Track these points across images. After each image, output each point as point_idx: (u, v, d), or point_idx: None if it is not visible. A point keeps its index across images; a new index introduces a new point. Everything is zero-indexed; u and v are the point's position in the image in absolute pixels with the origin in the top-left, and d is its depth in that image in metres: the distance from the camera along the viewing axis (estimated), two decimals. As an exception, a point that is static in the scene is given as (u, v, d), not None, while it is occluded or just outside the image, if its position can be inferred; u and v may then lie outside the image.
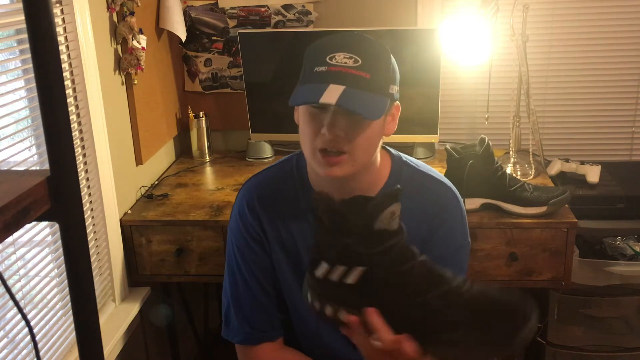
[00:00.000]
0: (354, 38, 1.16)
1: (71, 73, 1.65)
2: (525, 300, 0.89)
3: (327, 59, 1.12)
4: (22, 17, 0.61)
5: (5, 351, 1.39)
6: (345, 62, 1.11)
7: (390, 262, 0.89)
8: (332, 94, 1.07)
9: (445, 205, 1.28)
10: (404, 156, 1.33)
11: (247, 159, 2.39)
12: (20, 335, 1.45)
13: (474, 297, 0.89)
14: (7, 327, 1.41)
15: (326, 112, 1.13)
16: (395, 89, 1.20)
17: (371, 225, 0.88)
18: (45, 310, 1.57)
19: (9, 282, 1.42)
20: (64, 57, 1.62)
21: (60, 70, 0.64)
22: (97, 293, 1.76)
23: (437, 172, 1.35)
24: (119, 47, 1.92)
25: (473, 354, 0.89)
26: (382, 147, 1.28)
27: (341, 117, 1.12)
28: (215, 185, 2.16)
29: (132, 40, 1.91)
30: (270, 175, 1.35)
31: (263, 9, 2.34)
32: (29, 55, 0.73)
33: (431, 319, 0.89)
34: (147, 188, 2.11)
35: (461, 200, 1.31)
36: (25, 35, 0.66)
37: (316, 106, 1.14)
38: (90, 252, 1.46)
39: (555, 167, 2.15)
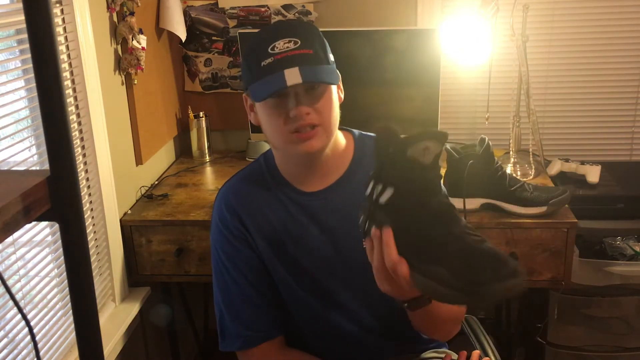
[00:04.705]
0: (284, 24, 1.25)
1: (71, 73, 1.65)
2: (516, 262, 0.95)
3: (269, 50, 1.17)
4: (22, 17, 0.61)
5: (5, 351, 1.39)
6: (287, 47, 1.17)
7: (414, 191, 0.96)
8: (292, 76, 1.14)
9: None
10: (364, 132, 1.39)
11: (247, 159, 2.39)
12: (20, 335, 1.45)
13: (473, 246, 0.95)
14: (7, 327, 1.41)
15: (287, 97, 1.19)
16: (332, 58, 1.26)
17: (404, 152, 0.95)
18: (45, 310, 1.56)
19: (9, 282, 1.42)
20: (64, 57, 1.62)
21: (60, 70, 0.64)
22: (97, 293, 1.76)
23: None
24: (119, 47, 1.92)
25: (446, 294, 0.93)
26: (344, 129, 1.35)
27: (303, 96, 1.19)
28: (215, 185, 2.16)
29: (132, 40, 1.91)
30: (241, 176, 1.39)
31: (263, 9, 2.34)
32: (29, 55, 0.73)
33: (427, 250, 0.95)
34: (147, 188, 2.11)
35: None
36: (25, 35, 0.66)
37: (275, 96, 1.19)
38: (90, 252, 1.46)
39: (555, 167, 2.15)
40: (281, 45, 1.17)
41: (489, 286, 0.90)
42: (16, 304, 0.70)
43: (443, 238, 0.95)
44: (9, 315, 1.42)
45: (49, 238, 1.60)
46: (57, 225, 0.73)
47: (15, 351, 1.43)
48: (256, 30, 2.29)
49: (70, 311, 0.71)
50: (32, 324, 1.40)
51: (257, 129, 2.33)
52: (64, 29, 1.62)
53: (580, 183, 2.09)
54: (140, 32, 1.95)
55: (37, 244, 1.55)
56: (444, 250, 0.94)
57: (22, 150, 1.49)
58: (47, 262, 1.58)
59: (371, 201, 1.01)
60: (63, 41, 1.61)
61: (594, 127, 2.39)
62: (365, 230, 1.03)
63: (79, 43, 1.64)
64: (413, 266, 0.96)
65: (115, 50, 1.90)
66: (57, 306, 1.62)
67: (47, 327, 1.57)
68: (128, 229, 1.91)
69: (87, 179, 1.74)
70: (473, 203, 1.83)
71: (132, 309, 1.89)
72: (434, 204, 0.97)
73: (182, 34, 2.28)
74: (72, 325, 1.08)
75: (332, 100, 1.23)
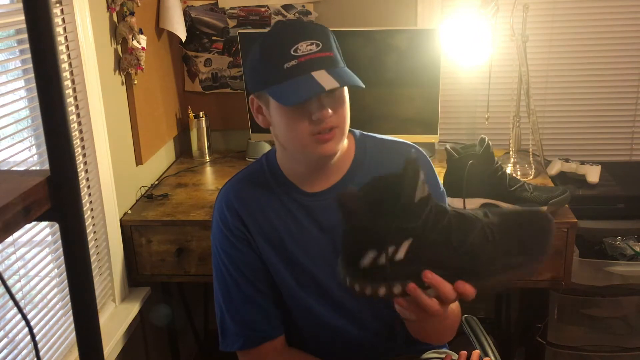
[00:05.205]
0: (303, 26, 1.22)
1: (71, 73, 1.65)
2: (536, 208, 1.01)
3: (292, 52, 1.15)
4: (22, 17, 0.61)
5: (5, 351, 1.39)
6: (311, 49, 1.16)
7: (432, 224, 0.95)
8: (325, 80, 1.14)
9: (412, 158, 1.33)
10: (365, 132, 1.39)
11: (247, 159, 2.39)
12: (20, 335, 1.45)
13: (501, 222, 0.97)
14: (7, 327, 1.41)
15: (309, 100, 1.17)
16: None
17: (412, 199, 0.93)
18: (45, 310, 1.57)
19: (9, 282, 1.42)
20: (64, 57, 1.62)
21: (60, 70, 0.64)
22: (97, 293, 1.76)
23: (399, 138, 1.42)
24: (119, 47, 1.92)
25: (518, 271, 0.96)
26: None
27: (325, 98, 1.18)
28: (215, 185, 2.16)
29: (132, 40, 1.91)
30: (242, 176, 1.38)
31: (263, 9, 2.34)
32: (29, 55, 0.73)
33: (477, 257, 0.95)
34: (147, 188, 2.11)
35: (425, 154, 1.37)
36: (25, 35, 0.66)
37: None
38: (90, 252, 1.46)
39: (555, 167, 2.15)
40: (304, 47, 1.15)
41: (546, 242, 0.96)
42: (16, 304, 0.70)
43: (480, 238, 0.96)
44: (9, 315, 1.42)
45: (49, 238, 1.60)
46: (57, 225, 0.73)
47: (15, 351, 1.43)
48: (256, 31, 2.29)
49: (70, 311, 0.71)
50: (32, 324, 1.40)
51: (257, 129, 2.34)
52: (64, 29, 1.62)
53: (580, 183, 2.09)
54: (140, 32, 1.95)
55: (37, 244, 1.55)
56: (489, 246, 0.95)
57: (22, 150, 1.49)
58: (47, 262, 1.58)
59: (379, 268, 0.96)
60: (63, 41, 1.61)
61: (594, 127, 2.39)
62: (384, 296, 0.97)
63: (79, 43, 1.64)
64: (470, 280, 0.97)
65: (115, 50, 1.90)
66: (57, 306, 1.62)
67: (47, 327, 1.57)
68: (128, 229, 1.91)
69: (87, 179, 1.74)
70: (473, 203, 1.83)
71: (132, 309, 1.89)
72: (452, 221, 0.96)
73: (182, 34, 2.28)
74: (72, 325, 1.08)
75: (347, 103, 1.23)
